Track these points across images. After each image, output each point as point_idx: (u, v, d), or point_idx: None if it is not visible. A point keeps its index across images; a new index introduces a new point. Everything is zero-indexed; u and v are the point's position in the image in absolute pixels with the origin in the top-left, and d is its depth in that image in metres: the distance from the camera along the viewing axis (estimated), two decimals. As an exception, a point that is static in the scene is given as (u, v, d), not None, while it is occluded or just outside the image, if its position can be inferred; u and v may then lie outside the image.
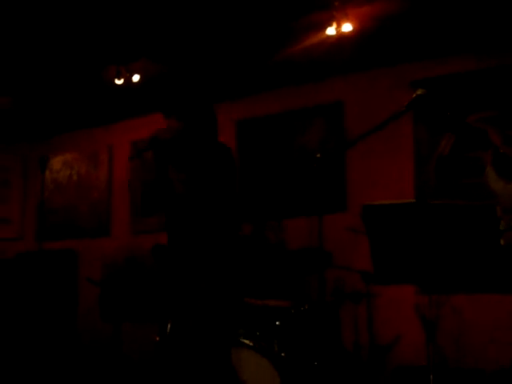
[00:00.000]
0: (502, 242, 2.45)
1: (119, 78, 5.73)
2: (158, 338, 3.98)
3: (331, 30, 4.81)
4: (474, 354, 4.97)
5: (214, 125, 3.55)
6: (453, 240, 2.47)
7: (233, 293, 3.42)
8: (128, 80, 5.76)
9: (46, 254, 6.74)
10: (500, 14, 4.67)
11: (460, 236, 2.45)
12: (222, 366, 3.26)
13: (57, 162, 7.57)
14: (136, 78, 5.76)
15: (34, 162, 7.20)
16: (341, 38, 4.89)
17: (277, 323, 4.00)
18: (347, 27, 4.78)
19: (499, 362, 4.63)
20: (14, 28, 4.92)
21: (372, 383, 4.93)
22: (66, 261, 7.13)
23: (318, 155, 3.04)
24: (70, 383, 5.99)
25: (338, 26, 4.75)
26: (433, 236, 2.50)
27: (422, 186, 5.39)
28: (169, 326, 3.67)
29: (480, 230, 2.41)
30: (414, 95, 2.82)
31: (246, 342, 3.80)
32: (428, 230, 2.50)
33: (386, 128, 2.97)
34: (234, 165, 3.48)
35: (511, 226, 2.56)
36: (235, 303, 3.46)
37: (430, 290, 4.09)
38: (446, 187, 5.24)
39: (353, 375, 4.69)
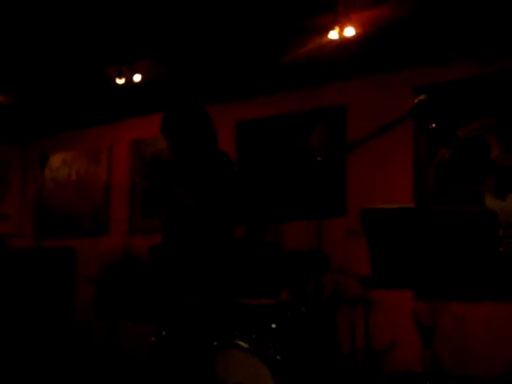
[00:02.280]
0: (501, 249, 2.44)
1: (120, 78, 5.74)
2: (153, 338, 3.96)
3: (334, 34, 4.80)
4: (470, 360, 4.96)
5: (212, 130, 3.60)
6: (452, 246, 2.46)
7: (225, 294, 3.45)
8: (129, 80, 5.76)
9: (44, 251, 6.73)
10: (503, 19, 4.66)
11: (459, 242, 2.44)
12: (205, 367, 3.30)
13: (56, 160, 7.56)
14: (137, 77, 5.76)
15: (33, 158, 7.19)
16: (344, 41, 4.88)
17: (273, 326, 3.98)
18: (350, 31, 4.77)
19: (496, 370, 4.62)
20: (17, 27, 4.92)
21: (367, 388, 4.92)
22: (65, 259, 7.11)
23: (319, 159, 3.03)
24: (68, 380, 5.97)
25: (341, 30, 4.75)
26: (432, 241, 2.49)
27: (422, 191, 5.38)
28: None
29: (479, 237, 2.40)
30: (416, 101, 2.81)
31: (242, 343, 3.78)
32: (427, 236, 2.49)
33: (387, 133, 2.96)
34: (235, 171, 3.63)
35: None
36: (228, 305, 3.48)
37: (427, 296, 4.09)
38: (447, 193, 5.23)
39: (348, 379, 4.68)
